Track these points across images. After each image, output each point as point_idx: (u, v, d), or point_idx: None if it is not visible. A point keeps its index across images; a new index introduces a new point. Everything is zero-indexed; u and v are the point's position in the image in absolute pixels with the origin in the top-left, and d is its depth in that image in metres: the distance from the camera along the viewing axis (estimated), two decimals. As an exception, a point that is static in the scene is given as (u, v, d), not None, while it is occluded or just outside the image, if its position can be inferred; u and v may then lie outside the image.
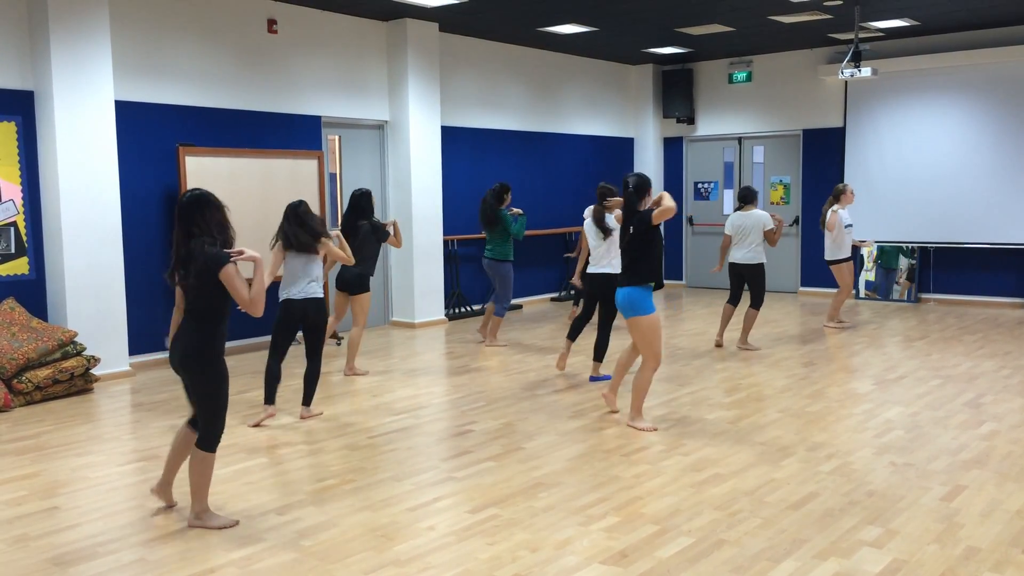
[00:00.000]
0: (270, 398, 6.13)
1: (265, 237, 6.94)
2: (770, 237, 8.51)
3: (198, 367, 4.11)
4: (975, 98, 11.32)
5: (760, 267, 8.63)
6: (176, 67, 8.30)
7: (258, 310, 4.05)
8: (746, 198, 8.71)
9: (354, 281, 7.33)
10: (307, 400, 6.23)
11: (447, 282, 10.93)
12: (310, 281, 6.08)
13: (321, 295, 6.13)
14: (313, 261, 6.10)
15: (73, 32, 7.23)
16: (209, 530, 4.13)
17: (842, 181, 11.96)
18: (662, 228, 5.63)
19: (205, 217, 4.07)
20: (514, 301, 11.53)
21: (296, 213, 6.08)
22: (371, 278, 7.50)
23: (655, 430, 5.73)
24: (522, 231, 8.78)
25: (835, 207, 9.54)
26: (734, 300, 8.80)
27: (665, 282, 14.11)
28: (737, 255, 8.66)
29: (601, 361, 7.31)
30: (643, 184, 5.78)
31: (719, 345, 8.75)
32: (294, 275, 6.07)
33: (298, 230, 6.05)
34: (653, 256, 5.70)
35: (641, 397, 5.83)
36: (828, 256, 9.72)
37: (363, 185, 8.45)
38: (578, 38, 11.31)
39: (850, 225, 9.66)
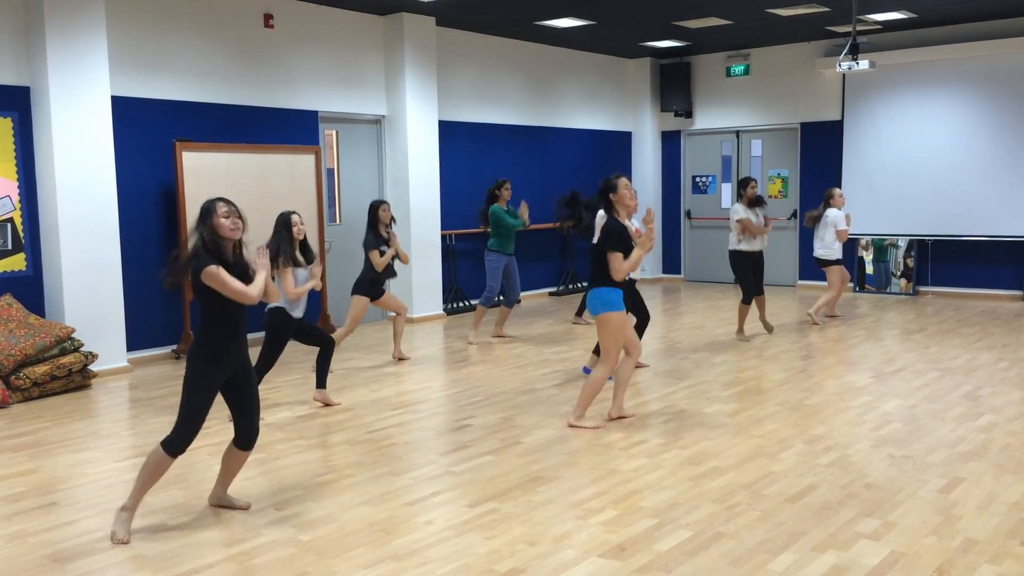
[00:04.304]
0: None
1: (262, 232, 6.90)
2: (748, 228, 8.63)
3: (186, 366, 4.13)
4: (973, 91, 11.31)
5: (730, 255, 8.80)
6: (173, 62, 8.28)
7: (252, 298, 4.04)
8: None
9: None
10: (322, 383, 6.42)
11: (445, 277, 10.92)
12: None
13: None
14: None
15: (69, 28, 7.21)
16: (216, 519, 4.14)
17: (840, 174, 12.04)
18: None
19: (205, 226, 4.06)
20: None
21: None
22: (365, 283, 7.62)
23: (601, 427, 5.68)
24: (514, 224, 8.75)
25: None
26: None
27: (664, 276, 14.15)
28: None
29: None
30: (604, 188, 5.67)
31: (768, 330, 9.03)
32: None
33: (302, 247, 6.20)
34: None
35: (590, 398, 5.72)
36: (822, 255, 9.62)
37: (362, 182, 8.46)
38: (575, 32, 11.29)
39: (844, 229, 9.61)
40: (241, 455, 4.30)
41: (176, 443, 4.04)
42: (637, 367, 7.50)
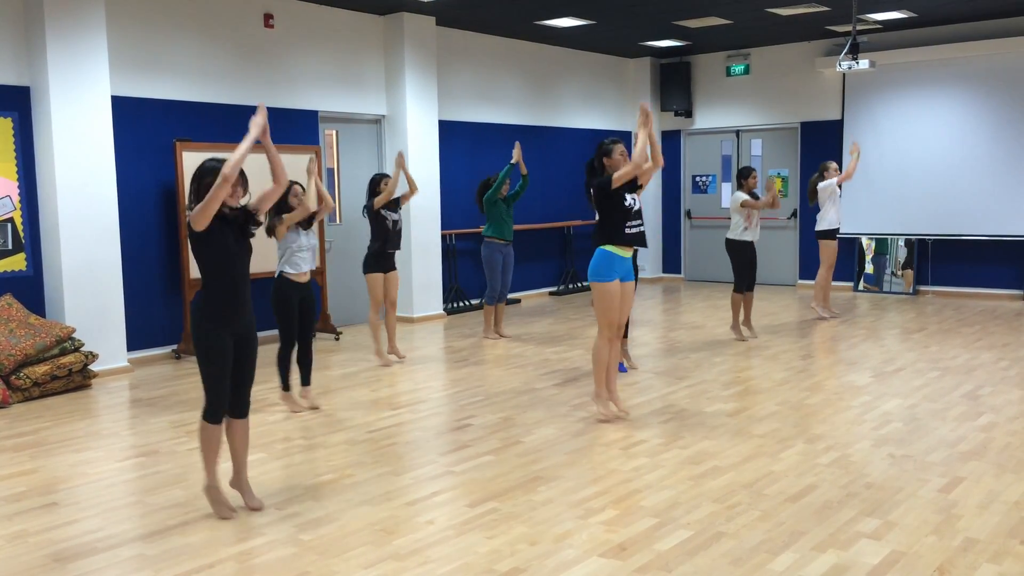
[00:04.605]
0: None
1: (261, 232, 6.92)
2: (752, 206, 8.55)
3: (191, 332, 4.17)
4: (973, 90, 11.31)
5: (732, 243, 8.68)
6: (173, 62, 8.28)
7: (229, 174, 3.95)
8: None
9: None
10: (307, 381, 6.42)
11: (445, 276, 10.92)
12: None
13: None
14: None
15: (69, 27, 7.21)
16: (215, 519, 4.16)
17: (840, 173, 11.97)
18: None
19: (201, 185, 4.10)
20: (513, 295, 11.49)
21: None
22: (371, 258, 7.61)
23: (607, 421, 5.76)
24: (504, 180, 8.72)
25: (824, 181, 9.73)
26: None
27: (663, 275, 14.13)
28: None
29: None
30: (599, 151, 5.83)
31: (749, 333, 8.83)
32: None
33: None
34: (611, 217, 5.67)
35: (597, 370, 5.84)
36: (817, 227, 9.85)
37: (362, 181, 8.46)
38: (575, 31, 11.29)
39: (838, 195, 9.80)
40: (238, 425, 4.33)
41: (210, 411, 4.15)
42: (628, 364, 7.54)
